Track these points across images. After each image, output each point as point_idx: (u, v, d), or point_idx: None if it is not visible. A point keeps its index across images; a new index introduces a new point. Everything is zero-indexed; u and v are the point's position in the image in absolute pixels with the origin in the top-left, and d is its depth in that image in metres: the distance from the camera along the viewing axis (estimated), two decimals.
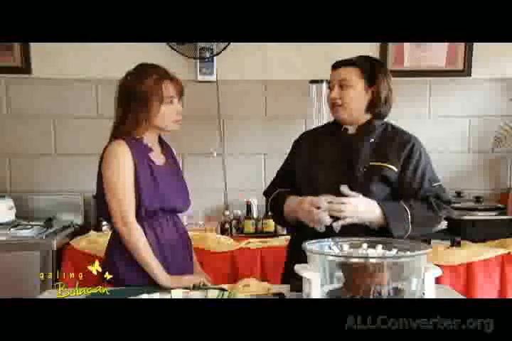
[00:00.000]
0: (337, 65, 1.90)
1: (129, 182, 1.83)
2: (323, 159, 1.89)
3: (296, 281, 1.58)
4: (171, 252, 1.90)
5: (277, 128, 3.28)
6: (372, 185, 1.82)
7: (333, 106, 1.88)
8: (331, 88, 1.90)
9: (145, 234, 1.84)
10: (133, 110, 1.85)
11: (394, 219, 1.77)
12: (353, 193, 1.77)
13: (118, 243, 1.87)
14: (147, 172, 1.87)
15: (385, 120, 1.95)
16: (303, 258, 1.50)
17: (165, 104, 1.86)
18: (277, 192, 1.98)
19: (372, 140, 1.88)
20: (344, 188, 1.77)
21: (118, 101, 1.90)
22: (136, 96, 1.84)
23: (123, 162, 1.83)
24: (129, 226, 1.82)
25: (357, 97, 1.86)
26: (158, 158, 1.94)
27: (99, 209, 1.97)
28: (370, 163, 1.84)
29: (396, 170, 1.84)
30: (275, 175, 2.08)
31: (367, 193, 1.81)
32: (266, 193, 2.07)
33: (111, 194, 1.83)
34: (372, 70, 1.86)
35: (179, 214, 2.02)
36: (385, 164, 1.84)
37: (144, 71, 1.88)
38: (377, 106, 1.88)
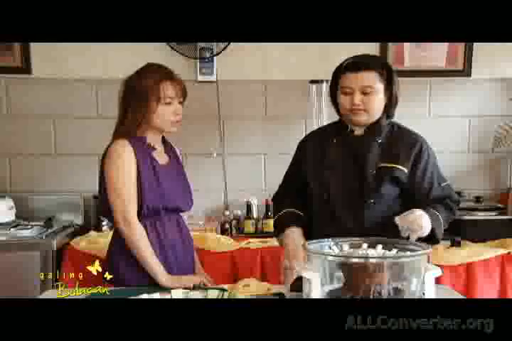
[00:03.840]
0: (356, 68, 1.82)
1: (131, 181, 1.83)
2: (332, 161, 1.88)
3: (296, 281, 1.58)
4: (172, 252, 1.91)
5: (277, 128, 3.28)
6: (383, 186, 1.83)
7: (354, 110, 1.83)
8: (347, 92, 1.83)
9: (147, 233, 1.84)
10: (132, 109, 1.86)
11: (437, 227, 1.76)
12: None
13: (119, 242, 1.87)
14: (150, 171, 1.87)
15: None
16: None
17: (163, 104, 1.86)
18: (284, 211, 1.93)
19: (380, 140, 1.88)
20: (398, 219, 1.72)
21: (121, 101, 1.91)
22: (135, 95, 1.85)
23: (125, 161, 1.83)
24: (131, 226, 1.82)
25: (380, 103, 1.85)
26: (161, 157, 1.94)
27: (101, 208, 1.97)
28: (381, 164, 1.84)
29: (406, 170, 1.84)
30: (283, 179, 2.05)
31: (378, 195, 1.82)
32: (274, 199, 2.04)
33: (113, 193, 1.83)
34: (388, 73, 1.85)
35: (181, 214, 2.02)
36: (396, 165, 1.84)
37: (146, 71, 1.89)
38: (391, 107, 1.89)
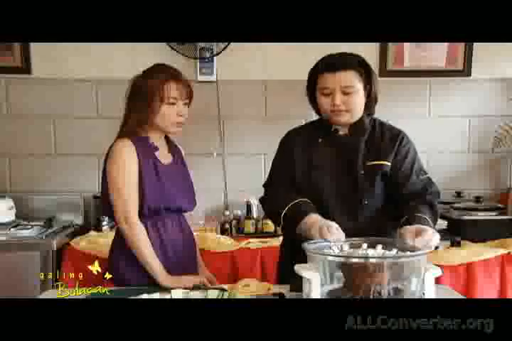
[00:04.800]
0: (334, 68, 1.79)
1: (133, 181, 1.83)
2: (322, 162, 1.85)
3: (296, 281, 1.58)
4: (174, 252, 1.90)
5: (277, 128, 3.23)
6: (375, 185, 1.83)
7: (336, 111, 1.81)
8: (326, 93, 1.80)
9: (148, 233, 1.84)
10: (136, 109, 1.86)
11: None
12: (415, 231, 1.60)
13: (120, 242, 1.87)
14: (152, 171, 1.87)
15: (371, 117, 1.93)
16: (298, 258, 1.50)
17: (166, 104, 1.85)
18: (295, 203, 1.78)
19: (365, 139, 1.86)
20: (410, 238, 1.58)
21: (126, 100, 1.91)
22: (140, 94, 1.85)
23: (126, 161, 1.83)
24: (131, 226, 1.82)
25: (361, 102, 1.82)
26: (164, 157, 1.94)
27: (103, 208, 1.97)
28: (369, 163, 1.83)
29: (389, 164, 1.85)
30: (268, 178, 1.99)
31: (371, 194, 1.82)
32: (263, 199, 1.97)
33: (115, 192, 1.83)
34: (367, 71, 1.82)
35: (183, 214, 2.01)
36: (381, 161, 1.84)
37: (152, 71, 1.90)
38: (372, 105, 1.87)
